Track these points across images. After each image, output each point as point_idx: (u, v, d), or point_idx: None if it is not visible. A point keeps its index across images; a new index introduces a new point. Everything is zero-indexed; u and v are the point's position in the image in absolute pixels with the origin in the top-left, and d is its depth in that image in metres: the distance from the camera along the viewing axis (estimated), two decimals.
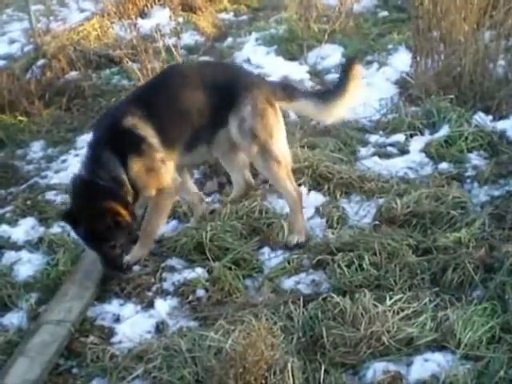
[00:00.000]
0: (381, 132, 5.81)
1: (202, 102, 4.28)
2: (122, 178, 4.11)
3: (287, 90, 4.55)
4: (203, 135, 4.34)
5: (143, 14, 9.65)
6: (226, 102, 4.29)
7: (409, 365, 3.31)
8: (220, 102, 4.28)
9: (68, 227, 4.35)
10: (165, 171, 4.23)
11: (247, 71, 5.00)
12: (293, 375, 3.14)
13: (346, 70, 4.59)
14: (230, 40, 8.87)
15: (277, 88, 4.52)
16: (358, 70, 4.58)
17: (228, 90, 4.30)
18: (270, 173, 4.41)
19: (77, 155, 5.83)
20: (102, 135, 4.19)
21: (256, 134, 4.30)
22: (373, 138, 5.71)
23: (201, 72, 4.46)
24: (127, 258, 4.25)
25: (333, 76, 7.16)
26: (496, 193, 4.73)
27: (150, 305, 3.93)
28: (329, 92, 4.72)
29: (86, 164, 4.13)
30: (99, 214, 3.97)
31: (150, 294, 4.03)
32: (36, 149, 6.22)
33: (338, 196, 4.83)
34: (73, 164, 5.60)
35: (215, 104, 4.28)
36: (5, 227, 4.86)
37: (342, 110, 4.57)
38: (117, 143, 4.11)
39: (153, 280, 4.12)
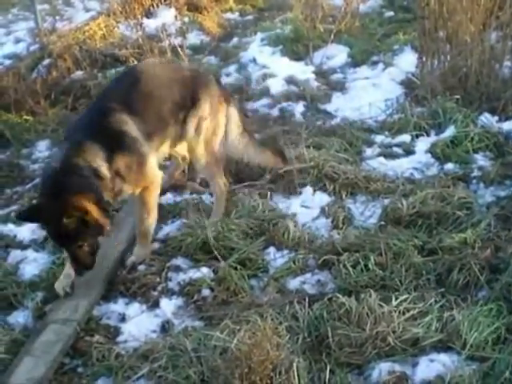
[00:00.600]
0: (386, 132, 5.80)
1: (167, 98, 4.39)
2: (104, 174, 3.93)
3: (229, 94, 4.92)
4: (170, 132, 4.47)
5: (149, 14, 9.65)
6: (187, 100, 4.46)
7: (414, 365, 3.31)
8: (180, 100, 4.45)
9: None
10: (150, 167, 4.23)
11: (202, 71, 5.06)
12: (298, 375, 3.14)
13: (284, 156, 4.95)
14: (235, 40, 8.86)
15: (223, 89, 4.83)
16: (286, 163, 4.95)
17: (188, 89, 4.48)
18: (206, 167, 4.67)
19: None
20: (87, 131, 4.02)
21: (205, 131, 4.52)
22: (378, 139, 5.70)
23: (164, 70, 4.57)
24: (132, 259, 4.27)
25: (338, 76, 7.19)
26: (502, 193, 4.73)
27: (156, 304, 3.94)
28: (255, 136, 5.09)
29: (63, 155, 3.89)
30: (65, 211, 3.69)
31: (155, 293, 4.03)
32: (42, 148, 6.22)
33: (344, 196, 4.83)
34: None
35: (177, 101, 4.43)
36: (11, 226, 4.85)
37: (245, 156, 4.87)
38: (104, 139, 3.98)
39: (158, 279, 4.12)
